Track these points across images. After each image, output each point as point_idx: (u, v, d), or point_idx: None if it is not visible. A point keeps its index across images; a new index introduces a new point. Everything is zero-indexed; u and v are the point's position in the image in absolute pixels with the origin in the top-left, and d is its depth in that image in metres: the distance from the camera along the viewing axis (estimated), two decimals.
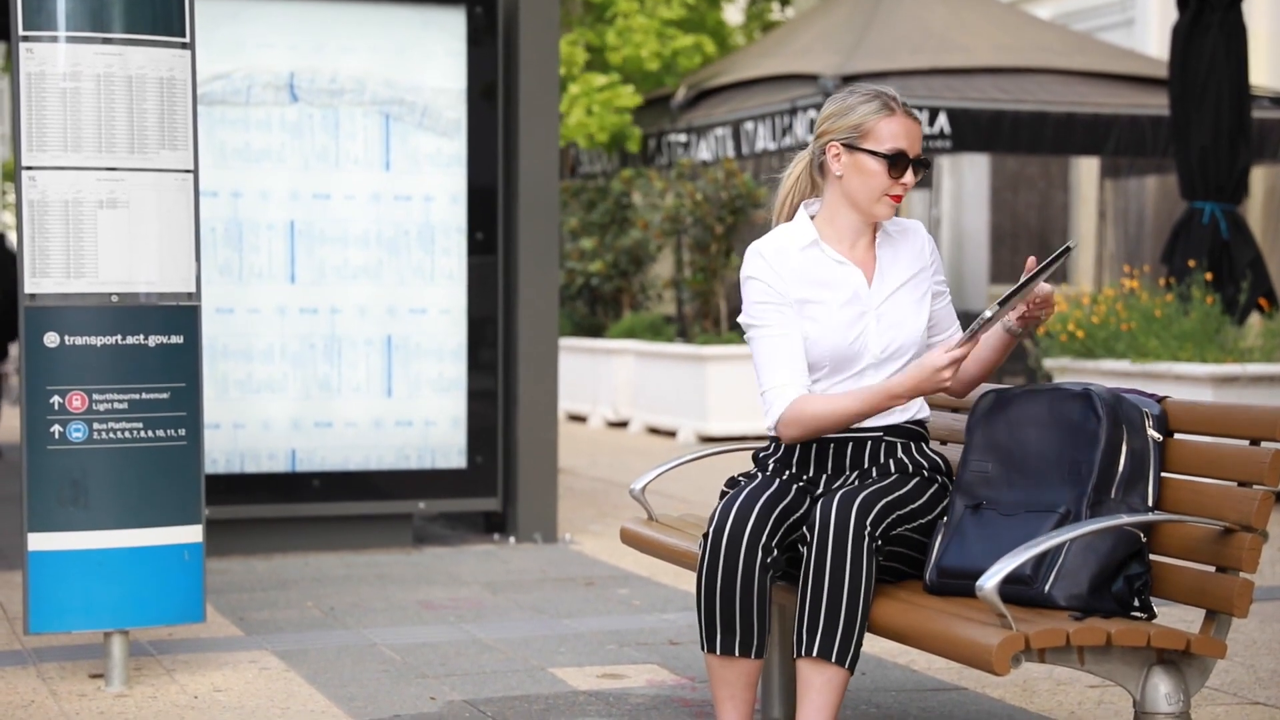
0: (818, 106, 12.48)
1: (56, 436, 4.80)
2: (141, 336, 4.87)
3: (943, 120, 12.61)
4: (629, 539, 4.65)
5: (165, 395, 4.90)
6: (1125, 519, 3.50)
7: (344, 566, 6.99)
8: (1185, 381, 8.68)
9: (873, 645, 5.01)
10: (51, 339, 4.80)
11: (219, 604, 6.09)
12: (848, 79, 12.39)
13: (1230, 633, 3.78)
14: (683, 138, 14.71)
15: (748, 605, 3.70)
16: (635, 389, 13.91)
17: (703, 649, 3.77)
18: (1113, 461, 3.59)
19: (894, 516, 3.69)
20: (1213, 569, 3.50)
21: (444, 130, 7.44)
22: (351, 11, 7.34)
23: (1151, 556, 3.62)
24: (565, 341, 14.08)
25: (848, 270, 3.92)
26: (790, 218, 4.03)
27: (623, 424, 14.25)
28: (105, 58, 4.78)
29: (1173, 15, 10.23)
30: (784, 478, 3.89)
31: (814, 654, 3.61)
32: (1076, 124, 13.04)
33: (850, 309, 3.90)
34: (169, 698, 4.80)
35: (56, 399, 4.80)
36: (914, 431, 3.97)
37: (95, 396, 4.82)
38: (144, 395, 4.87)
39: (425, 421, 7.45)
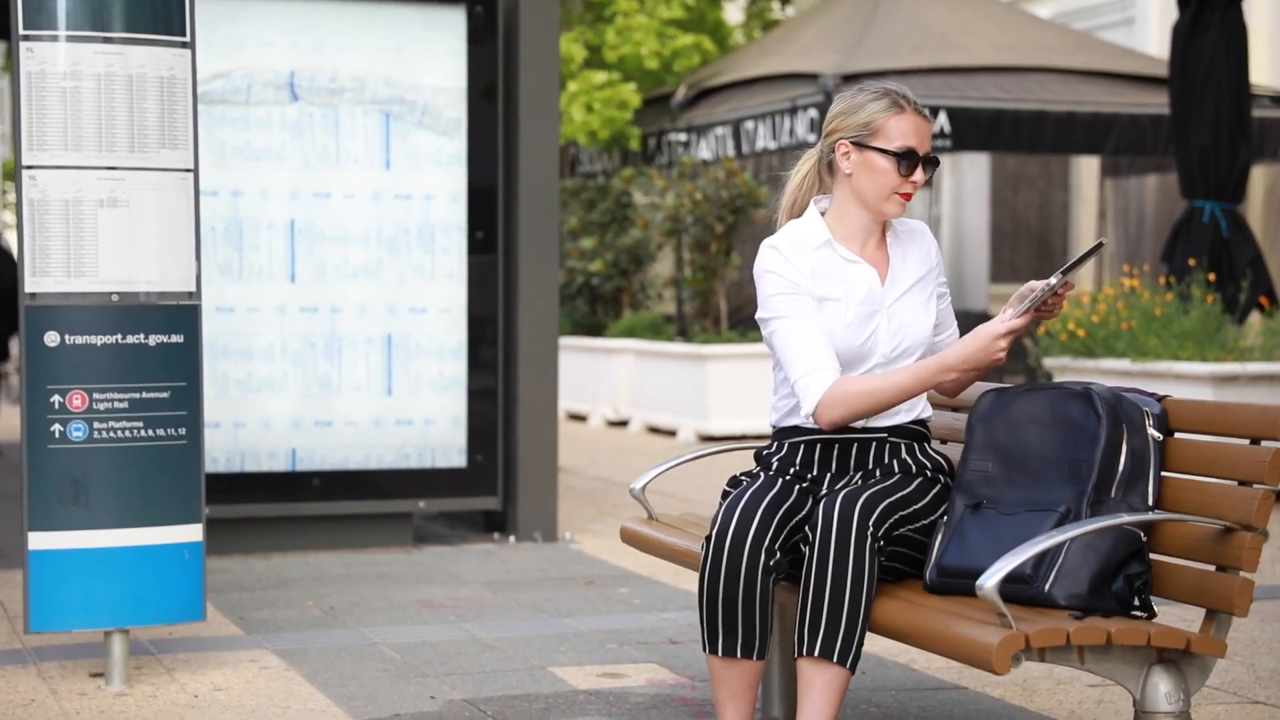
0: (818, 106, 12.50)
1: (57, 435, 4.80)
2: (142, 336, 4.87)
3: (943, 119, 12.61)
4: (629, 538, 4.65)
5: (165, 394, 4.90)
6: (1125, 518, 3.50)
7: (344, 565, 6.99)
8: (1185, 380, 8.68)
9: (873, 644, 5.01)
10: (52, 338, 4.80)
11: (219, 603, 6.09)
12: (848, 78, 12.38)
13: (1230, 632, 3.78)
14: (683, 137, 14.71)
15: (750, 608, 3.69)
16: (635, 388, 13.90)
17: (704, 650, 3.76)
18: (1113, 461, 3.59)
19: (896, 517, 3.68)
20: (1213, 568, 3.50)
21: (444, 129, 7.43)
22: (352, 10, 7.34)
23: (1152, 556, 3.62)
24: (565, 341, 14.07)
25: (861, 269, 3.91)
26: (798, 215, 4.02)
27: (623, 423, 14.24)
28: (105, 57, 4.77)
29: (1173, 14, 10.22)
30: (786, 478, 3.87)
31: (815, 654, 3.60)
32: (1076, 123, 13.03)
33: (863, 308, 3.88)
34: (169, 697, 4.80)
35: (57, 398, 4.80)
36: (917, 432, 3.96)
37: (95, 396, 4.82)
38: (144, 394, 4.87)
39: (425, 420, 7.45)
